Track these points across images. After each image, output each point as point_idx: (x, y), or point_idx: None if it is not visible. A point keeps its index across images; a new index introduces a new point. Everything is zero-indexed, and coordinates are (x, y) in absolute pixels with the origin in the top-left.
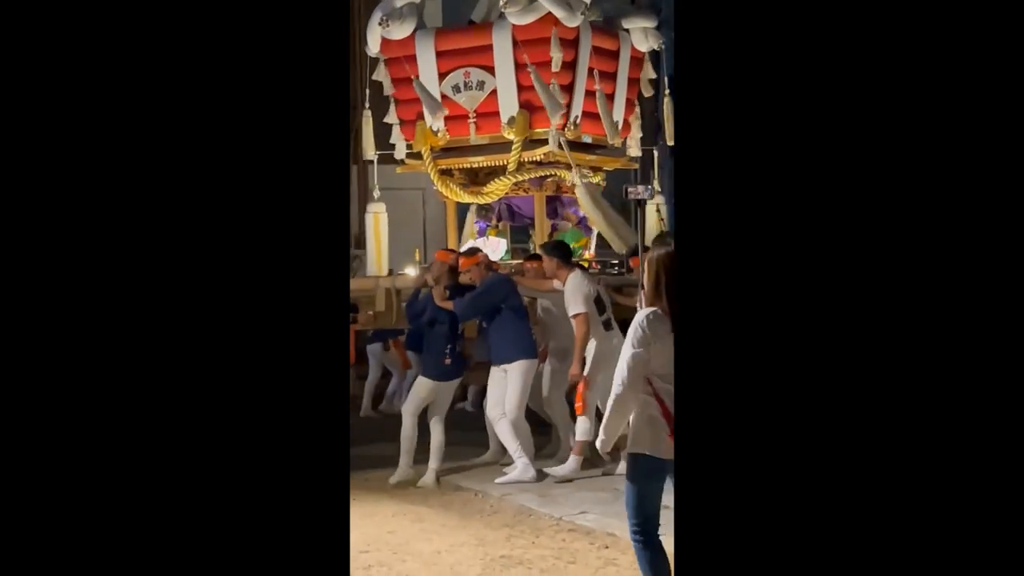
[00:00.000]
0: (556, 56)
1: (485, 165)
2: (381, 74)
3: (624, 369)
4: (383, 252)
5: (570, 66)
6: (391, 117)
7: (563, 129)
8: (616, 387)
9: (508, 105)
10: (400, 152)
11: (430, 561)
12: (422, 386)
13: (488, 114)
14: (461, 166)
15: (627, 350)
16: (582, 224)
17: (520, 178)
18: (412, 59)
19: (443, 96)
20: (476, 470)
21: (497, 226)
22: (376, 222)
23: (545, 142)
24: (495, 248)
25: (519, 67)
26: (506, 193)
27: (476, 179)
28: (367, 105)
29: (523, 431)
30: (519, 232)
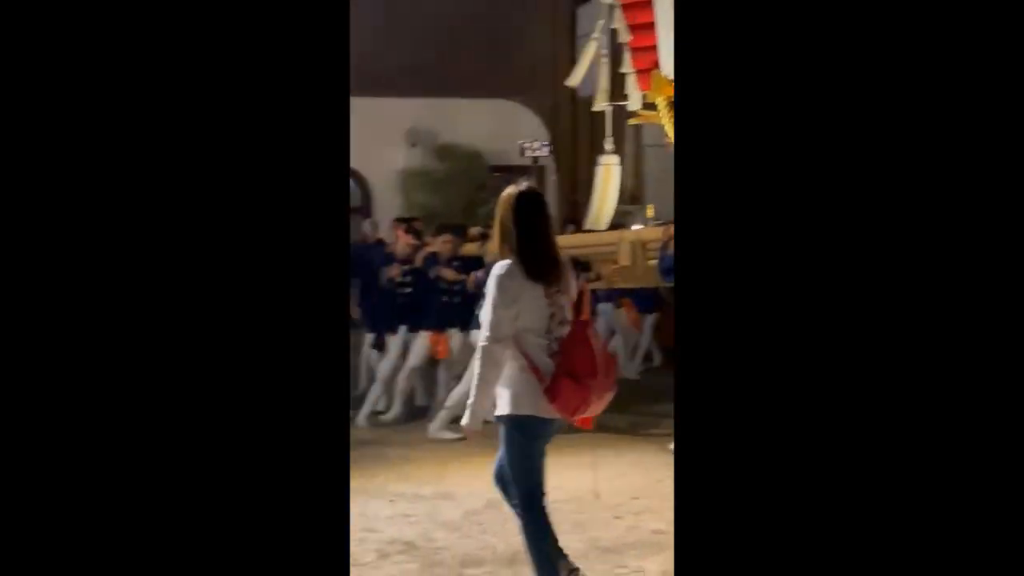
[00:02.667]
0: None
1: None
2: (617, 21)
3: (487, 328)
4: (608, 206)
5: None
6: (626, 66)
7: None
8: (481, 348)
9: None
10: (635, 103)
11: None
12: None
13: None
14: None
15: (487, 308)
16: None
17: None
18: (648, 4)
19: None
20: None
21: None
22: (606, 174)
23: None
24: None
25: None
26: None
27: None
28: (604, 53)
29: None
30: None
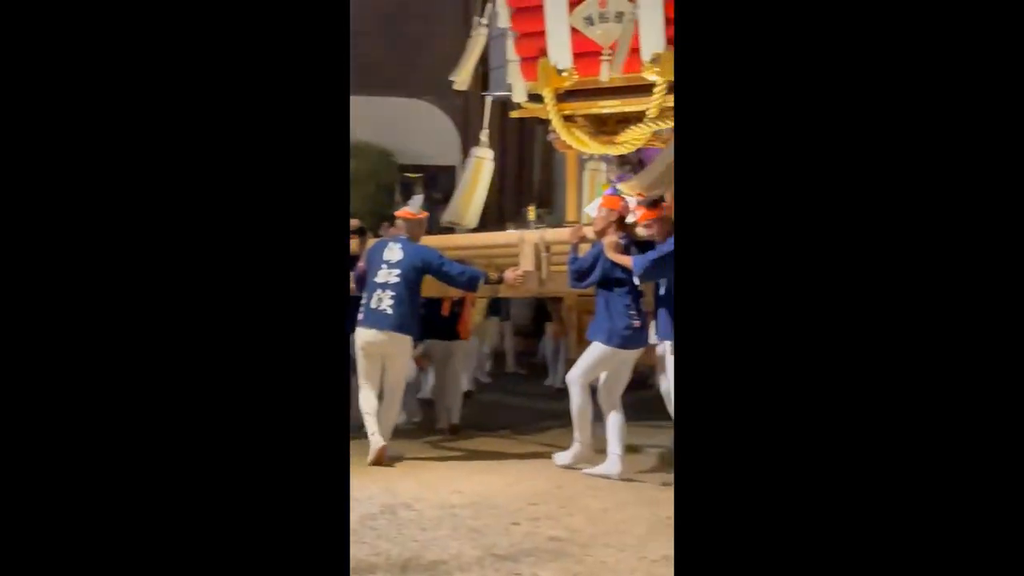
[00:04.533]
0: None
1: (618, 111)
2: (499, 3)
3: None
4: (474, 203)
5: None
6: (509, 54)
7: None
8: None
9: (651, 41)
10: (519, 94)
11: (596, 518)
12: (596, 352)
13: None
14: (589, 111)
15: None
16: None
17: (662, 126)
18: None
19: (573, 30)
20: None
21: None
22: (477, 169)
23: None
24: None
25: None
26: (645, 144)
27: (605, 127)
28: (484, 22)
29: None
30: None
